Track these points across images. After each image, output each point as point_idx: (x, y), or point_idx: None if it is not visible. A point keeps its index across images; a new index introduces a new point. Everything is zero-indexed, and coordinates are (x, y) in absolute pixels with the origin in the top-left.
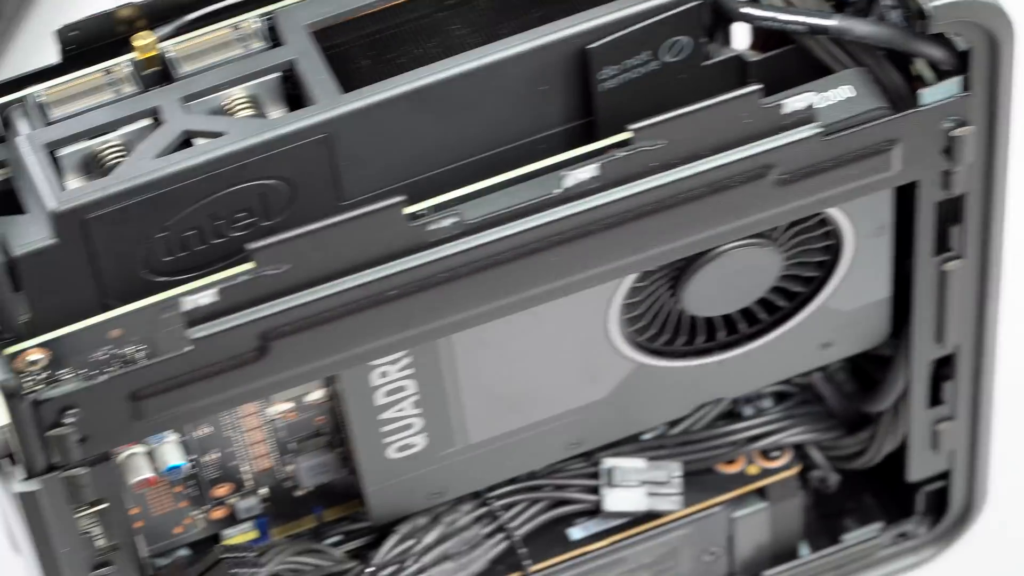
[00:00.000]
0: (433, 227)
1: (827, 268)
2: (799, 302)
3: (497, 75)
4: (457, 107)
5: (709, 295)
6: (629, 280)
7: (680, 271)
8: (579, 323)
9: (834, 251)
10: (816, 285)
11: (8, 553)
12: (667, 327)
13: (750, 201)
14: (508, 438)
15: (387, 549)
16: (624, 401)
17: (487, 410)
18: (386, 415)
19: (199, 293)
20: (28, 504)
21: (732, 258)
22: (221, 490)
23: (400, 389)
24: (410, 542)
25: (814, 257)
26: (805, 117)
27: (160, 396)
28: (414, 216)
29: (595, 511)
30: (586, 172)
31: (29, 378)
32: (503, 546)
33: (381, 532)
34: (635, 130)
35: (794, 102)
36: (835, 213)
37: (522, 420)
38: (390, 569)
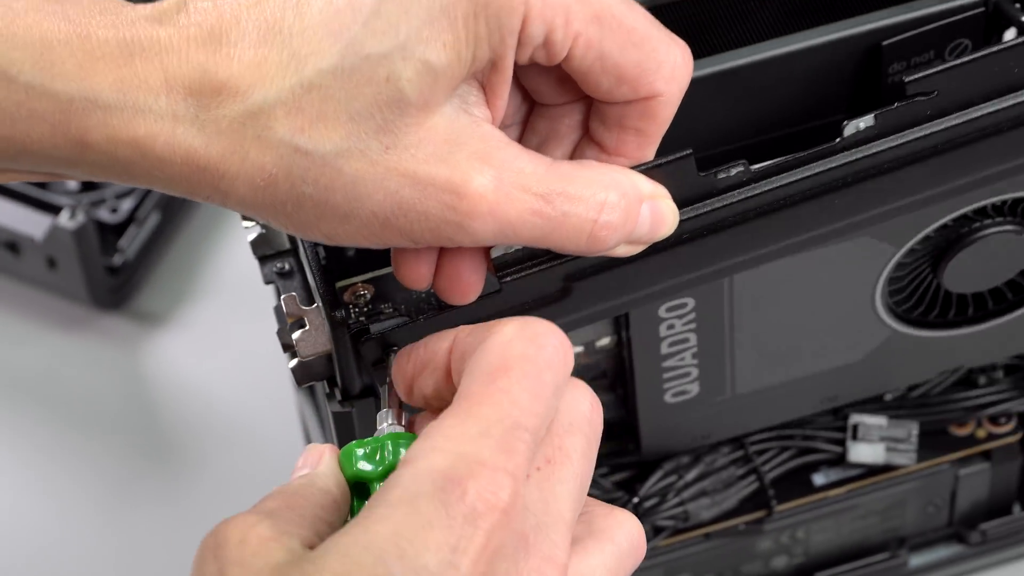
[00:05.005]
0: (722, 175)
1: None
2: None
3: (797, 64)
4: (755, 91)
5: (966, 274)
6: (897, 257)
7: (942, 251)
8: (849, 294)
9: None
10: None
11: None
12: (925, 300)
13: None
14: (771, 391)
15: (652, 482)
16: (877, 364)
17: (756, 364)
18: (668, 363)
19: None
20: (341, 423)
21: (990, 242)
22: None
23: (683, 341)
24: (672, 478)
25: None
26: None
27: None
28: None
29: (838, 461)
30: (864, 122)
31: (356, 309)
32: (754, 487)
33: (643, 467)
34: (909, 82)
35: None
36: None
37: (786, 375)
38: (653, 500)
